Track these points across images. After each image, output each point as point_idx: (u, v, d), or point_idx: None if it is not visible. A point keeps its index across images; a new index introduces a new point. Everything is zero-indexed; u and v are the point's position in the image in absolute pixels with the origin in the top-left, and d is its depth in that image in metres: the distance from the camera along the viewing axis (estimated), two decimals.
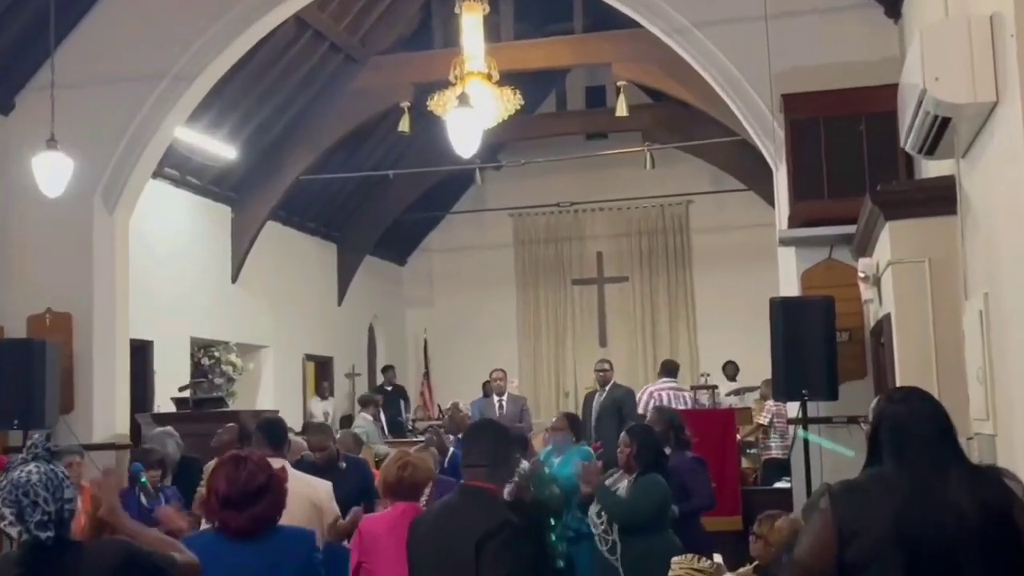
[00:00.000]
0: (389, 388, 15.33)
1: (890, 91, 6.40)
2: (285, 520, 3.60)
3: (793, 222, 7.64)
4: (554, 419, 7.60)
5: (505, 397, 11.06)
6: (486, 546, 3.37)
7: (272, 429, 5.35)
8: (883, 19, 7.83)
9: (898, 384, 5.48)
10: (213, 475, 3.51)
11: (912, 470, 2.80)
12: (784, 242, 7.84)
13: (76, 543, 2.87)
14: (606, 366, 10.40)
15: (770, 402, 10.25)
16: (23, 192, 8.57)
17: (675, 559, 4.07)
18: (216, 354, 12.34)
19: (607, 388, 10.14)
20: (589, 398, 10.57)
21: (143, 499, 6.17)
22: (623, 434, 5.77)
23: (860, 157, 7.36)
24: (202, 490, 3.73)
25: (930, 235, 5.38)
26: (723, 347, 15.11)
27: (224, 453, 3.96)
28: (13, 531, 2.76)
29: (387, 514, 4.63)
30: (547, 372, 17.22)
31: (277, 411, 9.88)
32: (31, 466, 2.82)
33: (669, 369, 10.78)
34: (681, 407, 9.70)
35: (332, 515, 4.91)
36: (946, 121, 4.54)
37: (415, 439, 10.59)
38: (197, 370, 12.03)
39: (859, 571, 2.76)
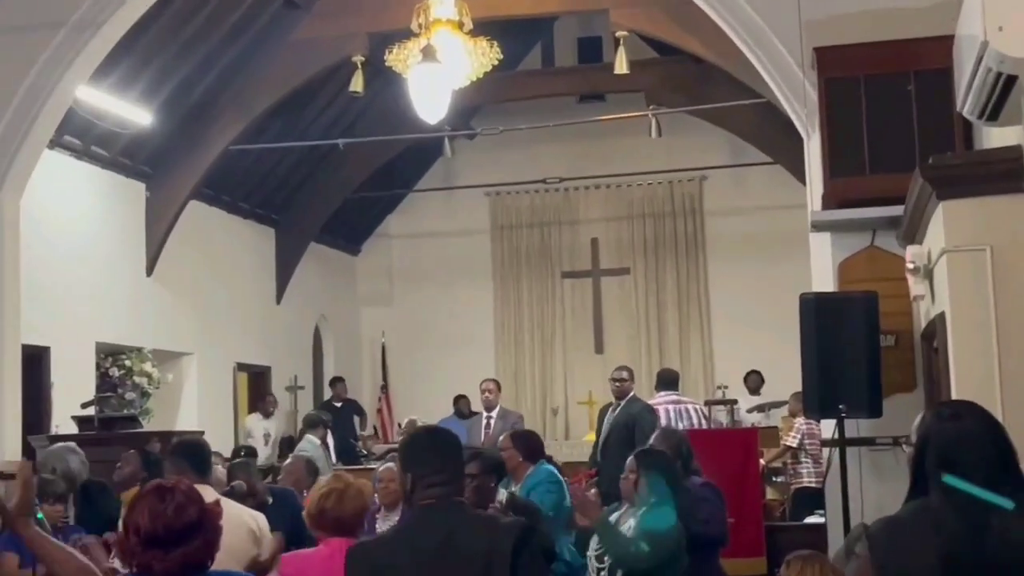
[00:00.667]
0: (339, 404, 15.29)
1: (945, 44, 6.43)
2: (225, 555, 3.59)
3: (828, 202, 7.65)
4: (501, 439, 7.52)
5: (495, 412, 11.07)
6: (521, 555, 3.40)
7: (194, 451, 5.36)
8: None
9: (953, 398, 5.50)
10: (133, 509, 3.48)
11: (962, 504, 2.80)
12: (817, 226, 7.86)
13: None
14: (624, 375, 10.29)
15: (800, 420, 10.30)
16: None
17: None
18: (127, 363, 12.30)
19: (623, 402, 10.09)
20: (603, 413, 10.55)
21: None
22: (630, 458, 5.77)
23: (909, 124, 7.39)
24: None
25: (992, 217, 5.40)
26: (744, 354, 15.17)
27: (129, 488, 3.95)
28: None
29: (315, 552, 4.63)
30: (531, 385, 17.23)
31: (202, 431, 9.85)
32: None
33: (668, 380, 10.76)
34: (684, 425, 9.71)
35: (269, 550, 4.94)
36: (1011, 80, 4.56)
37: (370, 466, 10.57)
38: (104, 382, 11.98)
39: None
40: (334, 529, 4.64)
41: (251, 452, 12.00)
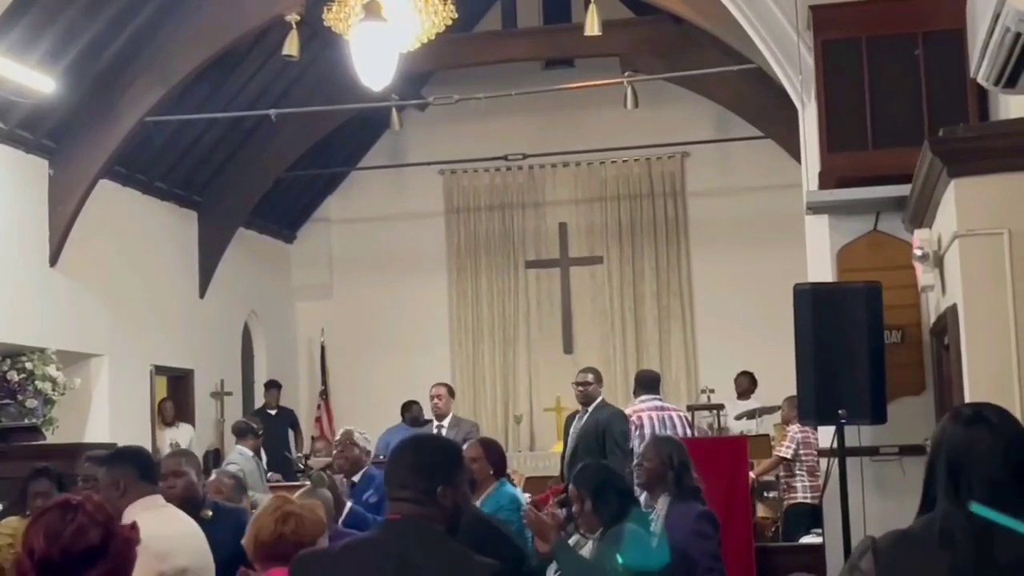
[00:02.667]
0: (272, 412, 15.26)
1: (957, 3, 6.47)
2: None
3: (825, 181, 7.68)
4: (466, 447, 7.50)
5: (447, 421, 11.08)
6: None
7: (139, 456, 5.42)
8: None
9: (967, 400, 5.52)
10: (29, 530, 3.44)
11: (975, 518, 2.82)
12: (813, 208, 7.89)
13: None
14: (589, 378, 10.31)
15: (795, 427, 10.34)
16: None
17: None
18: (28, 366, 12.21)
19: (590, 408, 10.11)
20: (569, 420, 10.57)
21: None
22: (571, 485, 5.77)
23: (916, 92, 7.42)
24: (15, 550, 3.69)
25: (1011, 197, 5.42)
26: (731, 354, 15.25)
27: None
28: None
29: None
30: (491, 389, 17.25)
31: (115, 444, 9.79)
32: None
33: (648, 382, 10.69)
34: (666, 432, 9.72)
35: None
36: None
37: (307, 482, 10.54)
38: (1, 388, 11.89)
39: None
40: (284, 558, 4.60)
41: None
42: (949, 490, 2.88)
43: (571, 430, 10.30)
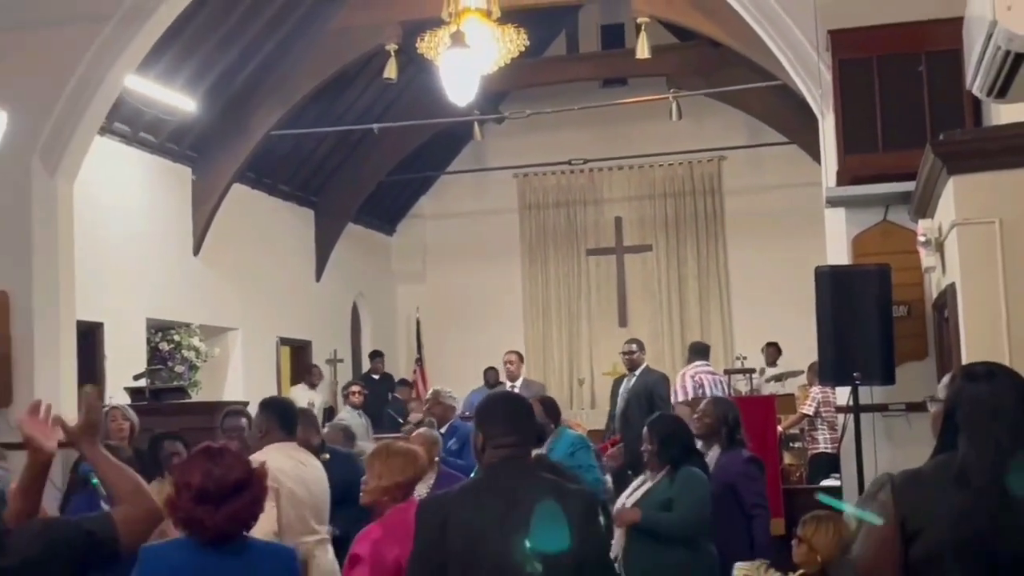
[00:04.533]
0: (377, 377, 15.37)
1: (954, 25, 6.36)
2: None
3: (842, 179, 7.59)
4: None
5: (519, 383, 11.10)
6: (590, 522, 3.41)
7: (282, 408, 5.56)
8: None
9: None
10: (184, 469, 3.52)
11: (991, 459, 2.78)
12: (832, 202, 7.80)
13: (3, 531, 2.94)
14: (634, 347, 10.34)
15: (816, 388, 10.26)
16: None
17: (739, 565, 4.12)
18: (176, 338, 12.39)
19: (637, 373, 10.11)
20: (616, 384, 10.57)
21: (103, 504, 6.06)
22: (644, 429, 5.77)
23: (920, 102, 7.30)
24: (167, 487, 3.72)
25: (1002, 191, 5.34)
26: (761, 326, 15.13)
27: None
28: None
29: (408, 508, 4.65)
30: (558, 357, 17.25)
31: (247, 403, 9.90)
32: None
33: (701, 350, 10.84)
34: (718, 394, 9.71)
35: None
36: (1020, 58, 4.50)
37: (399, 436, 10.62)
38: (154, 356, 12.08)
39: (925, 570, 2.76)
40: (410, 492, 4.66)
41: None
42: (972, 439, 2.82)
43: (620, 391, 10.32)
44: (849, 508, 3.23)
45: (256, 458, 5.10)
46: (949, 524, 2.75)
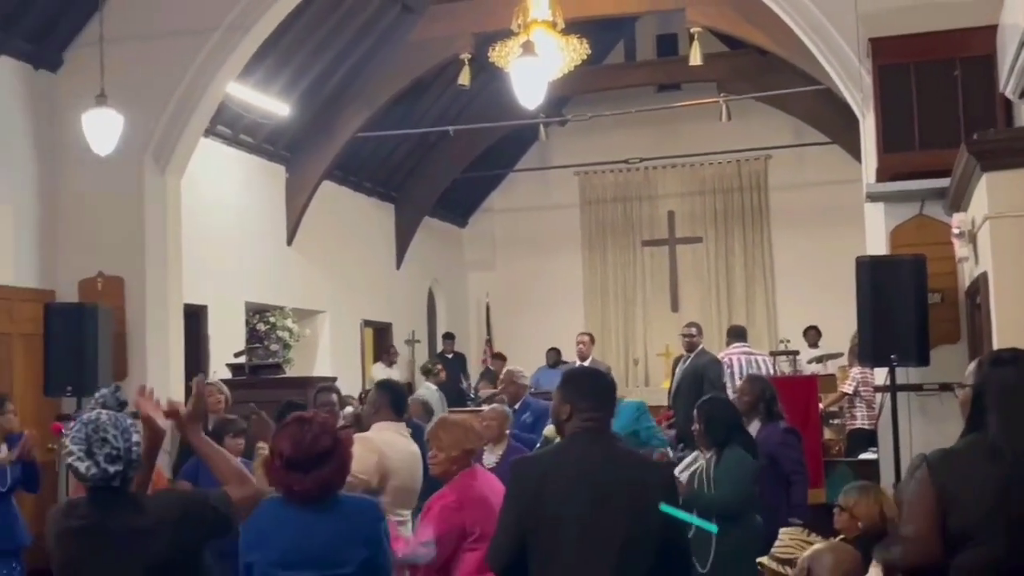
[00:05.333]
0: (450, 356, 15.42)
1: (988, 33, 6.27)
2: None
3: (881, 176, 7.51)
4: None
5: (588, 362, 11.07)
6: (671, 493, 3.43)
7: (395, 392, 5.61)
8: None
9: (995, 348, 5.38)
10: (277, 437, 3.58)
11: (1021, 436, 2.75)
12: (872, 197, 7.71)
13: (138, 495, 3.08)
14: (693, 331, 10.20)
15: (856, 369, 10.14)
16: (73, 151, 8.75)
17: (784, 530, 4.11)
18: (271, 319, 12.52)
19: (692, 355, 10.05)
20: (675, 363, 10.52)
21: None
22: (694, 410, 5.75)
23: (954, 105, 7.20)
24: (263, 451, 3.79)
25: None
26: (804, 312, 15.00)
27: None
28: (82, 465, 2.97)
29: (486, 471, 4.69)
30: (615, 339, 17.20)
31: (335, 378, 10.03)
32: (101, 412, 3.04)
33: (739, 333, 10.70)
34: (753, 372, 9.62)
35: None
36: None
37: (477, 408, 10.66)
38: (252, 336, 12.20)
39: (963, 540, 2.74)
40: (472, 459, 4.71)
41: None
42: (1002, 419, 2.80)
43: (677, 370, 10.25)
44: (687, 517, 3.24)
45: (368, 435, 5.19)
46: (983, 495, 2.73)
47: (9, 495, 6.70)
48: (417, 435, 6.32)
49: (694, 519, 3.17)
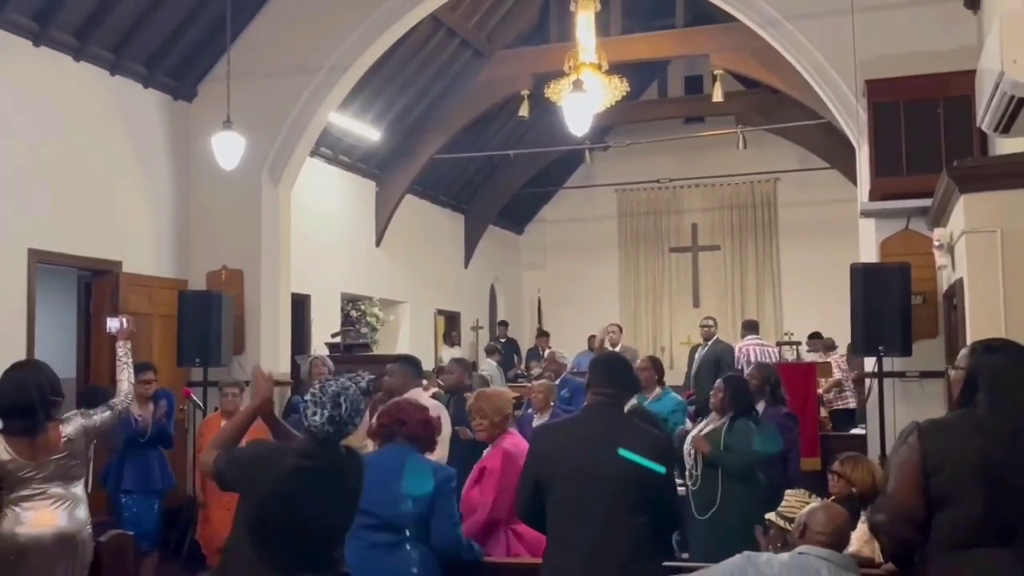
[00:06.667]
0: (503, 340, 15.44)
1: (967, 77, 6.15)
2: None
3: (874, 196, 7.43)
4: (638, 361, 7.45)
5: (618, 349, 11.04)
6: (668, 460, 3.42)
7: (414, 362, 5.82)
8: (961, 10, 7.49)
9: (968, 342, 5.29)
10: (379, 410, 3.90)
11: (1007, 414, 2.70)
12: (865, 214, 7.63)
13: (345, 447, 3.25)
14: (710, 323, 10.22)
15: (836, 355, 10.05)
16: (204, 167, 8.92)
17: (789, 492, 4.09)
18: (362, 307, 12.62)
19: (709, 343, 10.00)
20: (694, 351, 10.47)
21: None
22: (719, 380, 5.73)
23: (937, 137, 7.11)
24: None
25: (1002, 207, 5.16)
26: (805, 310, 14.80)
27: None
28: (309, 411, 3.14)
29: (518, 434, 4.70)
30: (645, 329, 17.10)
31: (414, 355, 10.07)
32: (353, 387, 3.20)
33: (752, 326, 10.65)
34: (766, 360, 9.53)
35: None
36: (1022, 101, 4.33)
37: (527, 384, 10.68)
38: (346, 320, 12.29)
39: (941, 502, 2.70)
40: (510, 423, 4.73)
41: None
42: (992, 398, 2.75)
43: (695, 356, 10.21)
44: (645, 462, 3.22)
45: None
46: (966, 460, 2.68)
47: (147, 447, 6.78)
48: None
49: (645, 461, 3.15)
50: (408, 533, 3.65)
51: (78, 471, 4.30)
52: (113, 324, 5.01)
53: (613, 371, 3.60)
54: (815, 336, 13.18)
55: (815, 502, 3.82)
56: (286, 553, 3.03)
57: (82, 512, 4.23)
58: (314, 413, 3.09)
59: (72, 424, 4.27)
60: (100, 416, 4.42)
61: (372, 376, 3.39)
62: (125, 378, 4.69)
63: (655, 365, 7.10)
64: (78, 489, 4.27)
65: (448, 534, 3.71)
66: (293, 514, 3.04)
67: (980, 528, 2.66)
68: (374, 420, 3.97)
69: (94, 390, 6.16)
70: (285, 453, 3.17)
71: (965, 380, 2.83)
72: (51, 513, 4.09)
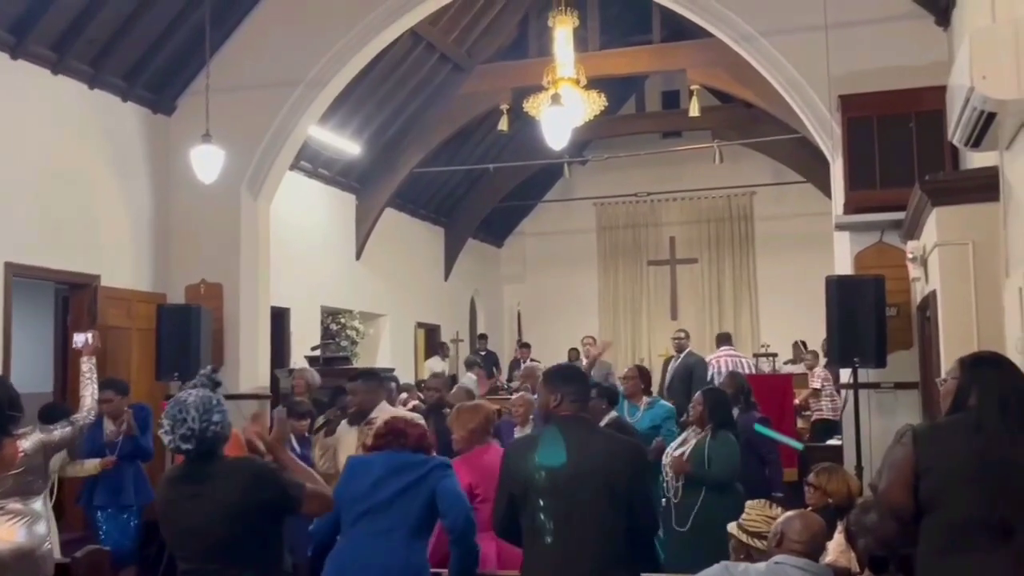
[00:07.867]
0: (483, 353, 15.41)
1: (938, 92, 6.21)
2: None
3: (848, 209, 7.47)
4: (626, 369, 7.43)
5: (593, 362, 11.00)
6: (640, 467, 3.38)
7: (373, 374, 5.88)
8: (932, 27, 7.57)
9: (942, 355, 5.33)
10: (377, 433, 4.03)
11: (1004, 421, 2.71)
12: (840, 227, 7.67)
13: (218, 459, 3.05)
14: (682, 335, 10.25)
15: (819, 368, 10.08)
16: (183, 181, 8.86)
17: (750, 503, 4.07)
18: (342, 320, 12.56)
19: (682, 355, 10.01)
20: (667, 363, 10.47)
21: (294, 443, 5.98)
22: (698, 393, 5.72)
23: (909, 151, 7.16)
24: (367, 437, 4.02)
25: (973, 220, 5.21)
26: (781, 323, 14.87)
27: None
28: (165, 438, 3.03)
29: (493, 449, 4.68)
30: (624, 342, 17.11)
31: (393, 368, 10.07)
32: (193, 391, 3.07)
33: (726, 338, 10.71)
34: (739, 371, 9.54)
35: None
36: (991, 116, 4.38)
37: (507, 397, 10.64)
38: (326, 333, 12.24)
39: (931, 503, 2.69)
40: (487, 436, 4.70)
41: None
42: (984, 401, 2.76)
43: (668, 368, 10.23)
44: (780, 437, 3.18)
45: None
46: (960, 463, 2.67)
47: (123, 462, 6.67)
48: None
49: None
50: (403, 523, 3.70)
51: (37, 487, 4.25)
52: (79, 339, 4.98)
53: (576, 378, 3.58)
54: (799, 345, 13.29)
55: (776, 512, 3.81)
56: (187, 570, 3.04)
57: (41, 527, 4.18)
58: (170, 441, 2.99)
59: (30, 440, 4.23)
60: (60, 431, 4.38)
61: (214, 367, 3.32)
62: (88, 394, 4.67)
63: (642, 374, 7.07)
64: (37, 505, 4.22)
65: (462, 511, 3.77)
66: (175, 530, 3.05)
67: (970, 532, 2.65)
68: (368, 441, 3.98)
69: (54, 407, 6.07)
70: (170, 472, 3.18)
71: (956, 391, 2.83)
72: (9, 529, 4.04)
